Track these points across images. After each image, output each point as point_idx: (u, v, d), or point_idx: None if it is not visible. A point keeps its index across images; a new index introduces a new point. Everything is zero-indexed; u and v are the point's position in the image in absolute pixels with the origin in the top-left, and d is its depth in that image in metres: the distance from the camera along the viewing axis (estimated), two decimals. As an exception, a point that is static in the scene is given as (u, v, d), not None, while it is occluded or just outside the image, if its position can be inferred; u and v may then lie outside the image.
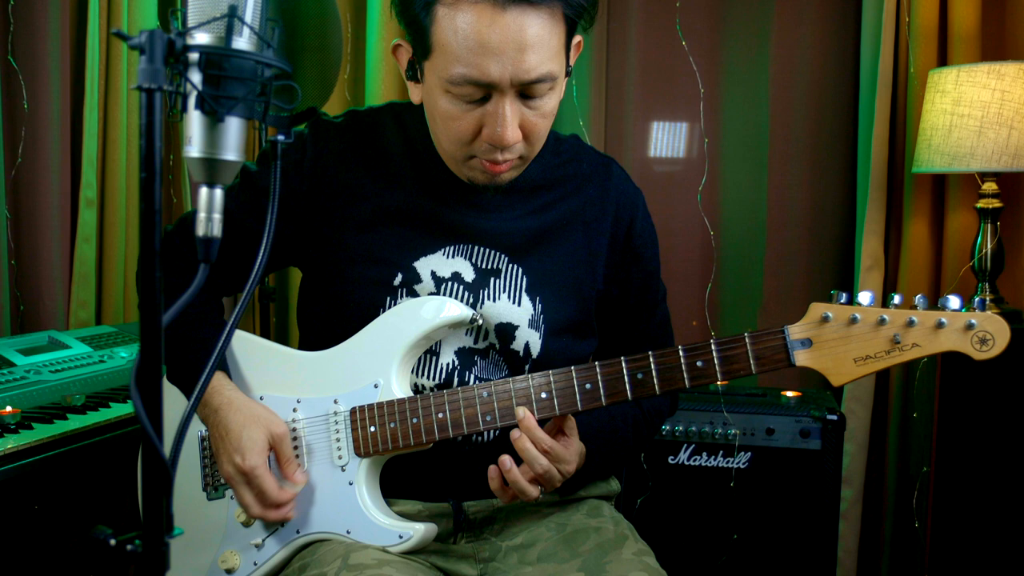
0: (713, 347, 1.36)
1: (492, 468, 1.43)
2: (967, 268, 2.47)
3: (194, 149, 0.96)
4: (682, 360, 1.37)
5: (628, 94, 2.94)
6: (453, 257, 1.53)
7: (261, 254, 1.04)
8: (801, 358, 1.33)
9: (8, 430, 1.82)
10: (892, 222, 2.73)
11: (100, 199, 2.60)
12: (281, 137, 1.04)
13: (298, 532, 1.50)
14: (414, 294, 1.51)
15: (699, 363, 1.37)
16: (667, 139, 2.93)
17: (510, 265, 1.53)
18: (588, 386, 1.40)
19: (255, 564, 1.53)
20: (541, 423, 1.42)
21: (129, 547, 0.94)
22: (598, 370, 1.40)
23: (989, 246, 2.39)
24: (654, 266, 1.67)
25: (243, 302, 1.04)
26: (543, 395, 1.42)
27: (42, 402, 2.04)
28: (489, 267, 1.53)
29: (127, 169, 2.65)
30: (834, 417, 2.43)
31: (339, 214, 1.53)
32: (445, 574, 1.52)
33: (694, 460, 2.51)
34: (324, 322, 1.57)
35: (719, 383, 2.65)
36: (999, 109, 2.25)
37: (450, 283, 1.52)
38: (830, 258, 2.89)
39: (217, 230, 0.98)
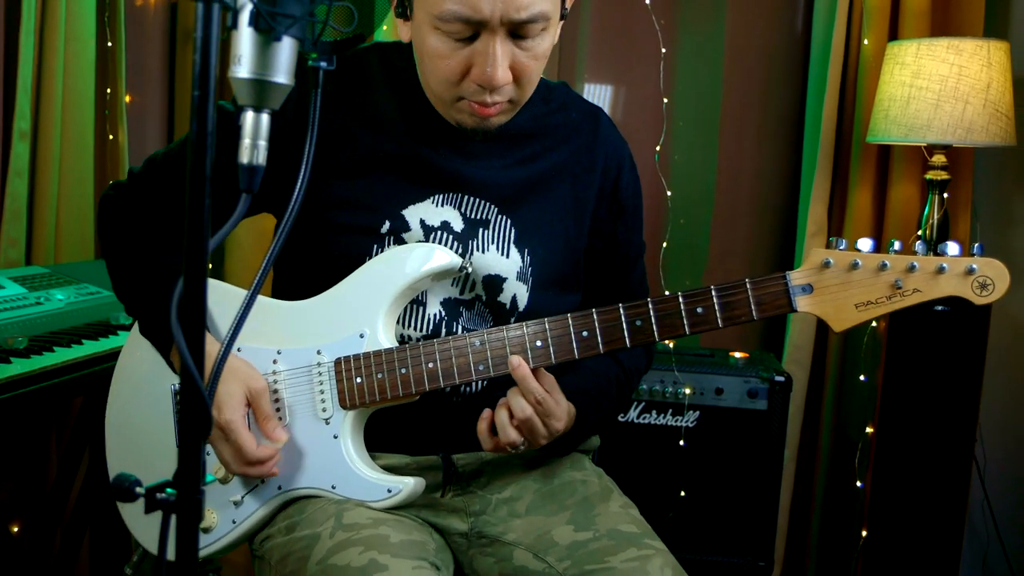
0: (714, 293, 1.35)
1: (486, 410, 1.40)
2: (915, 238, 2.54)
3: (243, 69, 0.90)
4: (682, 306, 1.36)
5: (581, 51, 2.92)
6: (442, 206, 1.48)
7: (294, 198, 0.98)
8: (802, 304, 1.33)
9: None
10: (837, 190, 2.79)
11: (34, 132, 2.44)
12: (324, 64, 0.98)
13: (280, 488, 1.45)
14: (402, 242, 1.46)
15: (699, 309, 1.36)
16: (624, 98, 2.92)
17: (499, 216, 1.50)
18: (585, 333, 1.38)
19: (234, 522, 1.47)
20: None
21: (160, 495, 0.89)
22: (595, 317, 1.38)
23: (936, 217, 2.46)
24: (638, 220, 1.66)
25: (268, 261, 0.98)
26: (538, 343, 1.39)
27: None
28: (478, 217, 1.49)
29: (64, 100, 2.48)
30: (781, 379, 2.48)
31: (324, 160, 1.47)
32: (436, 529, 1.49)
33: (643, 418, 2.54)
34: (305, 270, 1.51)
35: (670, 344, 2.68)
36: (956, 83, 2.31)
37: (439, 232, 1.47)
38: (775, 222, 2.94)
39: (262, 158, 0.93)
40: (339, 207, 1.47)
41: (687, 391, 2.51)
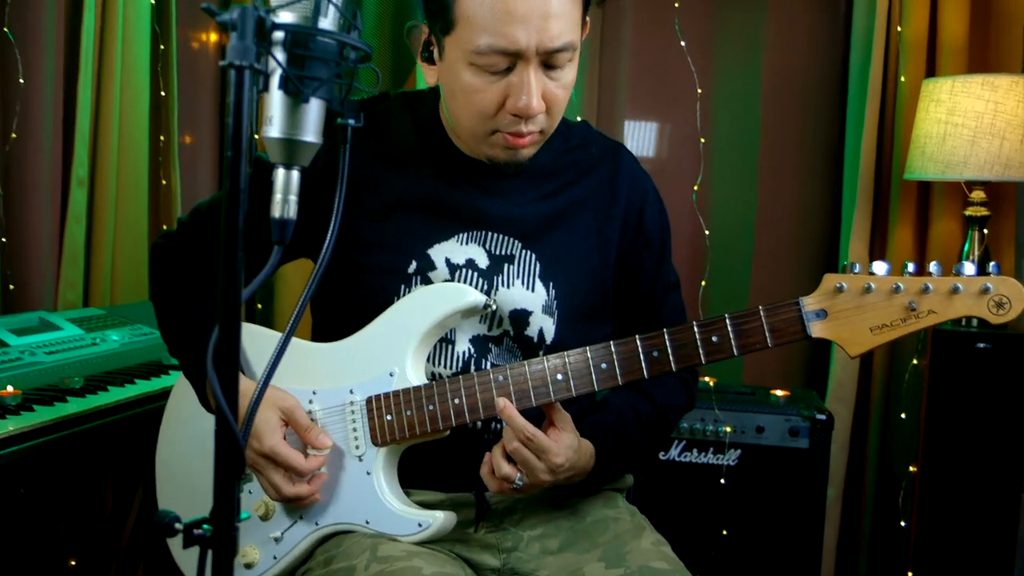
0: (728, 321, 1.36)
1: (487, 454, 1.43)
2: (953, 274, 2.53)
3: (274, 129, 0.95)
4: (697, 336, 1.37)
5: (621, 93, 2.97)
6: (467, 244, 1.53)
7: (327, 246, 1.03)
8: (817, 329, 1.33)
9: (9, 411, 1.78)
10: (877, 227, 2.79)
11: (91, 178, 2.55)
12: (351, 121, 1.04)
13: (317, 524, 1.49)
14: (428, 281, 1.51)
15: (714, 338, 1.37)
16: (660, 138, 2.96)
17: (523, 251, 1.54)
18: (604, 366, 1.40)
19: (275, 558, 1.51)
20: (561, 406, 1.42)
21: (197, 531, 0.94)
22: (613, 349, 1.40)
23: (976, 253, 2.45)
24: (665, 252, 1.68)
25: (302, 303, 1.04)
26: (559, 376, 1.42)
27: (39, 384, 2.00)
28: (503, 253, 1.53)
29: (119, 148, 2.60)
30: (823, 417, 2.48)
31: (353, 204, 1.53)
32: (469, 564, 1.52)
33: (685, 456, 2.55)
34: (338, 312, 1.57)
35: (710, 382, 2.69)
36: (992, 120, 2.32)
37: (464, 270, 1.52)
38: (815, 260, 2.94)
39: (293, 212, 0.98)
40: (368, 249, 1.52)
41: (728, 429, 2.51)
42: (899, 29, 2.69)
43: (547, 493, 1.58)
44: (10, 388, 1.87)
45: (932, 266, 1.31)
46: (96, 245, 2.58)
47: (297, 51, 0.93)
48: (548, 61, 1.38)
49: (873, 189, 2.75)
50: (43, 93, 2.39)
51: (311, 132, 0.96)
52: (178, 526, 0.94)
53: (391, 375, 1.48)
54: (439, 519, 1.45)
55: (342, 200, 1.05)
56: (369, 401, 1.48)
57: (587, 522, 1.57)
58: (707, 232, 2.79)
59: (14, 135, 2.37)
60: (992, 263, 1.30)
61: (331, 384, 1.52)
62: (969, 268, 1.30)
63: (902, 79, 2.68)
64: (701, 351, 1.38)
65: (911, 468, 2.45)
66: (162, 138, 2.79)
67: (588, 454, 1.48)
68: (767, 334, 1.36)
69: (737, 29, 2.94)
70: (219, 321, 0.91)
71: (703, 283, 2.84)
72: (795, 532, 2.49)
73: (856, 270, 1.34)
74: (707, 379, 2.72)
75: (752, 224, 2.94)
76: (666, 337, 1.39)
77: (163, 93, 2.76)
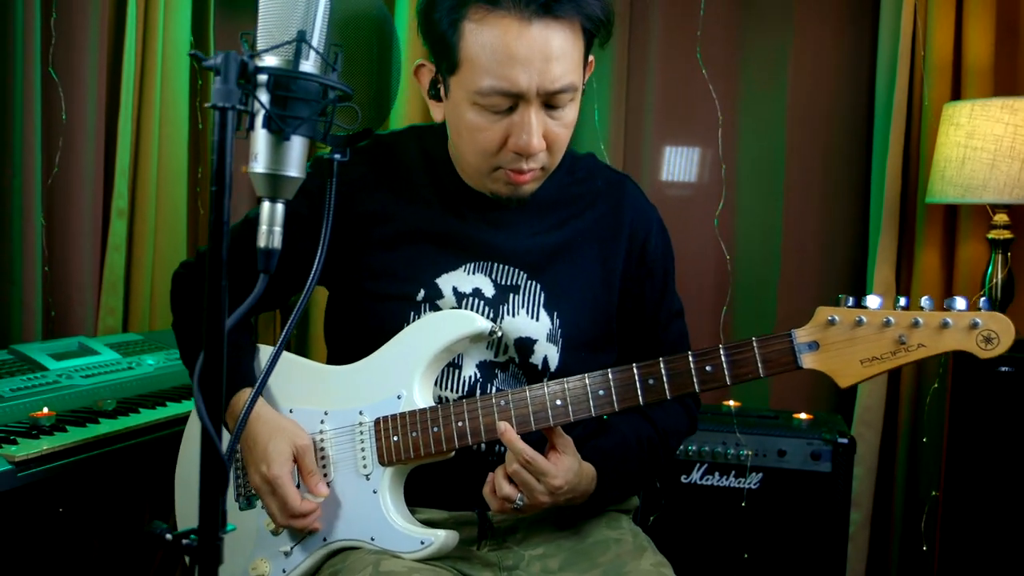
0: (722, 351, 1.40)
1: (490, 474, 1.48)
2: (978, 297, 2.51)
3: (259, 165, 1.02)
4: (691, 365, 1.41)
5: (647, 119, 3.01)
6: (474, 274, 1.58)
7: (314, 272, 1.10)
8: (808, 360, 1.37)
9: (43, 432, 1.87)
10: (904, 250, 2.78)
11: (131, 210, 2.67)
12: (338, 156, 1.10)
13: (325, 540, 1.55)
14: (436, 309, 1.56)
15: (708, 368, 1.41)
16: (684, 164, 2.99)
17: (528, 281, 1.59)
18: (601, 392, 1.44)
19: (284, 571, 1.57)
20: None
21: (185, 541, 1.00)
22: (611, 376, 1.45)
23: (1000, 276, 2.44)
24: (669, 281, 1.72)
25: (291, 323, 1.10)
26: (558, 402, 1.46)
27: (74, 406, 2.09)
28: (508, 283, 1.58)
29: (157, 181, 2.71)
30: (845, 440, 2.47)
31: (364, 234, 1.59)
32: (470, 580, 1.56)
33: (706, 480, 2.56)
34: (351, 338, 1.63)
35: (733, 405, 2.71)
36: (1012, 143, 2.31)
37: (471, 299, 1.57)
38: (842, 284, 2.94)
39: (277, 242, 1.04)
40: (378, 278, 1.59)
41: (749, 453, 2.52)
42: (922, 53, 2.69)
43: (550, 513, 1.62)
44: (45, 409, 1.96)
45: (924, 300, 1.33)
46: (135, 273, 2.69)
47: (279, 92, 0.99)
48: (549, 101, 1.43)
49: (899, 213, 2.75)
50: (85, 129, 2.51)
51: (294, 167, 1.03)
52: (168, 536, 1.01)
53: (399, 397, 1.53)
54: (441, 537, 1.49)
55: (329, 226, 1.11)
56: (377, 422, 1.53)
57: (588, 542, 1.60)
58: (728, 258, 2.81)
59: (57, 168, 2.49)
60: (983, 298, 1.33)
61: (342, 405, 1.58)
62: (960, 303, 1.32)
63: (926, 103, 2.68)
64: (695, 380, 1.42)
65: (933, 493, 2.43)
66: (200, 170, 2.90)
67: (590, 477, 1.52)
68: (759, 365, 1.39)
69: (762, 56, 2.97)
70: (204, 347, 0.97)
71: (725, 309, 2.85)
72: (818, 556, 2.48)
73: (850, 303, 1.37)
74: (730, 403, 2.74)
75: (778, 250, 2.95)
76: (662, 366, 1.43)
77: (201, 127, 2.87)
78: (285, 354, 1.68)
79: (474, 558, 1.58)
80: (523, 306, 1.58)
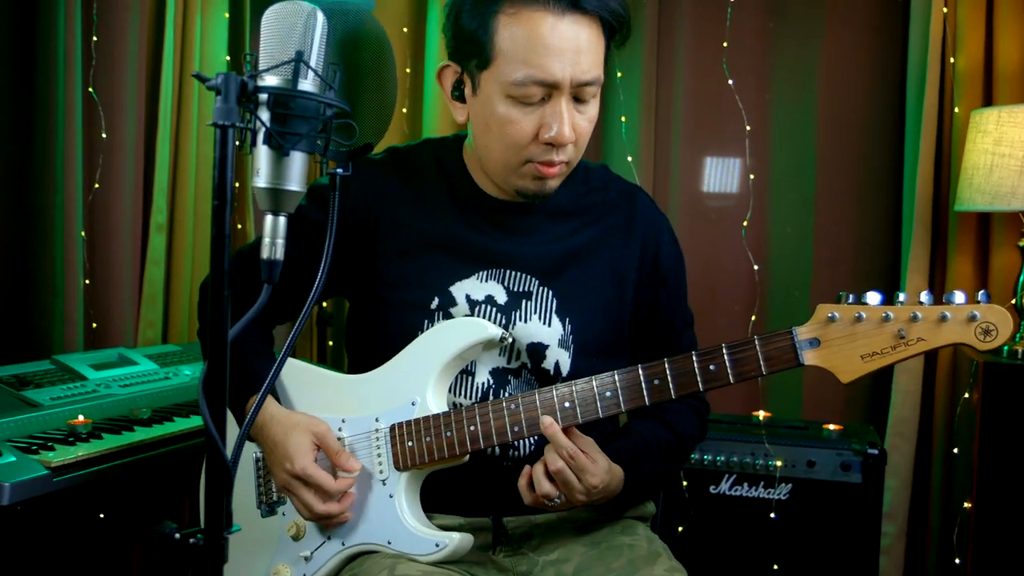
0: (724, 350, 1.42)
1: (526, 467, 1.51)
2: (1009, 305, 2.49)
3: (261, 180, 1.06)
4: (695, 364, 1.43)
5: (675, 130, 3.02)
6: (486, 281, 1.62)
7: (317, 283, 1.14)
8: (809, 357, 1.38)
9: (80, 439, 1.94)
10: (936, 259, 2.76)
11: (169, 225, 2.74)
12: (340, 170, 1.14)
13: (344, 544, 1.59)
14: (450, 316, 1.60)
15: (712, 367, 1.43)
16: (713, 174, 3.00)
17: (541, 288, 1.62)
18: (608, 393, 1.47)
19: None
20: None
21: (191, 540, 1.04)
22: (616, 378, 1.47)
23: (1032, 284, 2.41)
24: (681, 290, 1.75)
25: (296, 329, 1.14)
26: (566, 404, 1.49)
27: (111, 414, 2.16)
28: (521, 290, 1.62)
29: (195, 197, 2.79)
30: (875, 451, 2.45)
31: (380, 244, 1.64)
32: (484, 586, 1.59)
33: (735, 490, 2.55)
34: (369, 345, 1.67)
35: (763, 416, 2.70)
36: (1041, 150, 2.29)
37: (484, 305, 1.61)
38: (876, 293, 2.91)
39: (280, 254, 1.08)
40: (394, 286, 1.63)
41: (778, 463, 2.51)
42: (952, 59, 2.67)
43: (566, 520, 1.65)
44: (81, 417, 2.03)
45: (923, 295, 1.34)
46: (174, 286, 2.77)
47: (279, 110, 1.03)
48: (578, 94, 1.49)
49: (931, 221, 2.73)
50: (124, 146, 2.59)
51: (294, 182, 1.07)
52: (176, 536, 1.05)
53: (413, 404, 1.57)
54: (455, 540, 1.52)
55: (333, 236, 1.15)
56: (392, 428, 1.57)
57: (602, 548, 1.62)
58: (756, 267, 2.80)
59: (97, 185, 2.58)
60: (981, 292, 1.32)
61: (359, 413, 1.62)
62: (959, 297, 1.32)
63: (956, 110, 2.66)
64: (699, 379, 1.44)
65: (966, 504, 2.40)
66: (237, 184, 2.98)
67: (619, 478, 1.55)
68: (762, 363, 1.41)
69: (791, 64, 2.97)
70: (208, 355, 1.02)
71: (753, 318, 2.85)
72: (848, 568, 2.46)
73: (851, 300, 1.37)
74: (760, 413, 2.73)
75: (809, 259, 2.94)
76: (667, 366, 1.45)
77: (237, 143, 2.94)
78: (303, 364, 1.73)
79: (489, 563, 1.61)
80: (535, 312, 1.61)
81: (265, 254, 1.08)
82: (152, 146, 2.68)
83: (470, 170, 1.65)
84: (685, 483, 2.56)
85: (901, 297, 1.35)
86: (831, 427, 2.61)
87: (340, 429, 1.62)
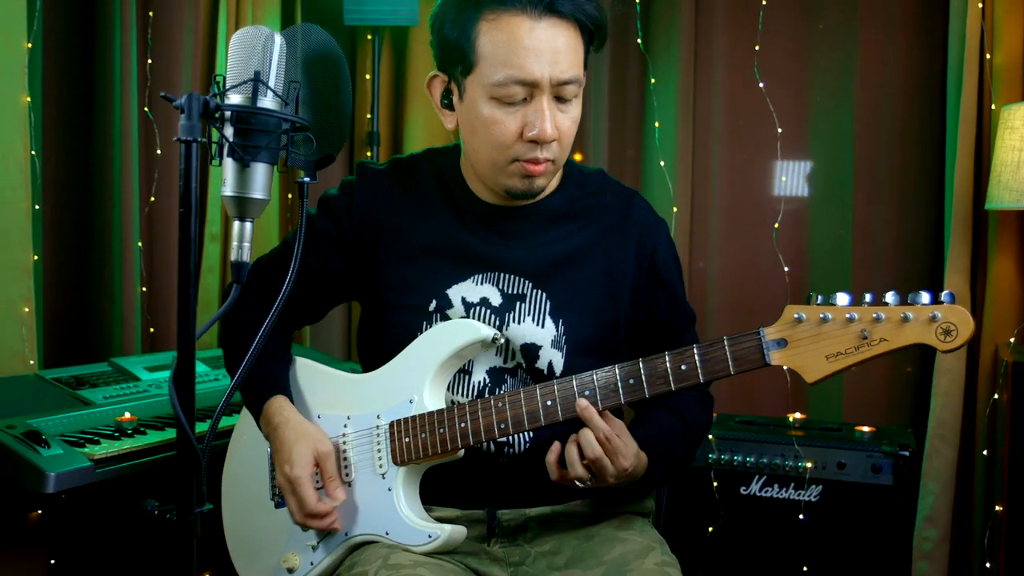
0: (695, 350, 1.47)
1: (556, 443, 1.56)
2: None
3: (228, 189, 1.17)
4: (668, 364, 1.49)
5: (714, 134, 3.05)
6: (482, 284, 1.69)
7: (288, 279, 1.23)
8: (776, 357, 1.41)
9: (125, 434, 2.09)
10: (978, 259, 2.71)
11: (224, 234, 2.90)
12: (307, 179, 1.24)
13: (346, 535, 1.68)
14: (447, 318, 1.68)
15: (683, 367, 1.48)
16: (746, 177, 3.01)
17: (534, 290, 1.68)
18: (587, 392, 1.53)
19: (311, 564, 1.71)
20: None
21: (168, 516, 1.15)
22: (595, 377, 1.53)
23: (1069, 283, 2.36)
24: (679, 291, 1.79)
25: (271, 318, 1.23)
26: (548, 403, 1.55)
27: (159, 413, 2.31)
28: (515, 292, 1.68)
29: (248, 207, 2.94)
30: (906, 453, 2.43)
31: (383, 249, 1.73)
32: (478, 575, 1.66)
33: (765, 492, 2.56)
34: (374, 346, 1.76)
35: (798, 418, 2.70)
36: (1070, 146, 2.25)
37: (479, 308, 1.68)
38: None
39: (247, 256, 1.18)
40: (395, 290, 1.72)
41: (808, 465, 2.51)
42: (988, 56, 2.64)
43: (562, 513, 1.71)
44: (127, 415, 2.18)
45: (888, 296, 1.36)
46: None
47: (241, 125, 1.14)
48: (559, 94, 1.56)
49: (972, 220, 2.69)
50: (179, 163, 2.75)
51: (259, 190, 1.17)
52: (155, 512, 1.16)
53: (411, 402, 1.65)
54: (446, 531, 1.60)
55: (302, 239, 1.25)
56: (392, 425, 1.66)
57: (595, 541, 1.67)
58: (787, 269, 2.81)
59: (153, 198, 2.75)
60: (945, 292, 1.33)
61: (362, 410, 1.71)
62: (924, 297, 1.34)
63: (993, 107, 2.62)
64: (671, 378, 1.48)
65: (997, 508, 2.36)
66: (290, 196, 3.12)
67: (644, 464, 1.60)
68: (730, 362, 1.45)
69: (828, 67, 2.97)
70: (177, 350, 1.12)
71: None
72: (880, 571, 2.44)
73: (819, 301, 1.40)
74: (796, 415, 2.73)
75: (848, 262, 2.92)
76: (641, 366, 1.50)
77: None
78: (316, 365, 1.83)
79: (482, 553, 1.68)
80: (529, 314, 1.68)
81: (233, 256, 1.18)
82: (206, 160, 2.84)
83: (466, 177, 1.73)
84: (716, 483, 2.58)
85: (867, 298, 1.37)
86: (864, 429, 2.60)
87: (345, 425, 1.72)
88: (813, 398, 2.96)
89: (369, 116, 3.27)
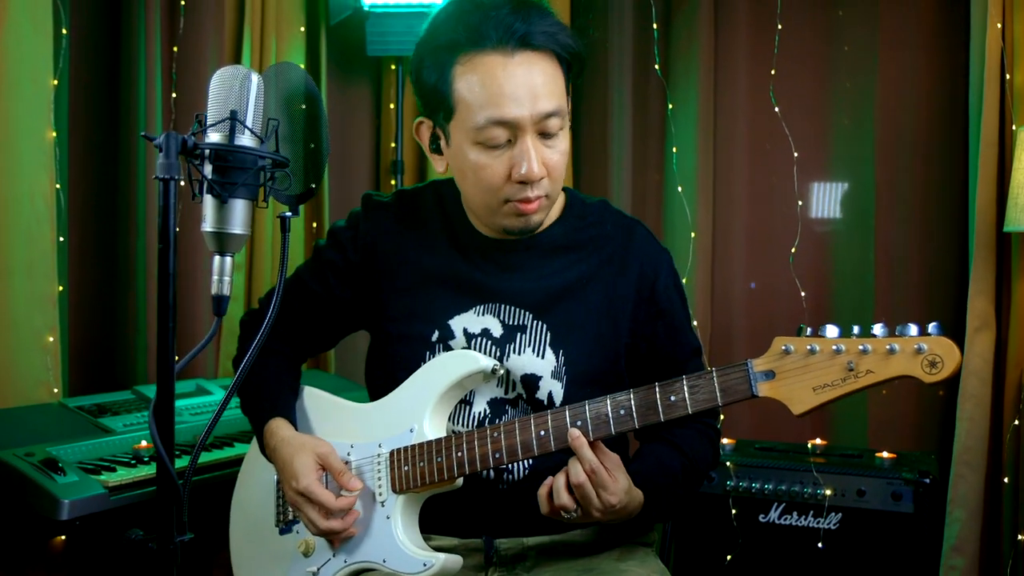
0: (684, 382, 1.46)
1: (548, 477, 1.55)
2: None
3: (207, 224, 1.20)
4: (657, 395, 1.48)
5: (735, 159, 3.04)
6: (483, 315, 1.70)
7: (272, 306, 1.26)
8: (763, 389, 1.40)
9: (141, 461, 2.13)
10: (1003, 283, 2.67)
11: (249, 264, 2.95)
12: (288, 214, 1.27)
13: (346, 561, 1.70)
14: (449, 349, 1.69)
15: (671, 398, 1.47)
16: (768, 202, 3.00)
17: (534, 321, 1.69)
18: (579, 423, 1.52)
19: None
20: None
21: (150, 545, 1.17)
22: (587, 408, 1.52)
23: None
24: (680, 321, 1.76)
25: (257, 343, 1.26)
26: (541, 433, 1.55)
27: (179, 440, 2.33)
28: (515, 323, 1.69)
29: (272, 238, 2.99)
30: (927, 480, 2.39)
31: (387, 280, 1.75)
32: (475, 603, 1.67)
33: (784, 519, 2.53)
34: (379, 375, 1.78)
35: (819, 444, 2.67)
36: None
37: (479, 338, 1.69)
38: (942, 319, 2.83)
39: (227, 290, 1.21)
40: (399, 320, 1.74)
41: (828, 492, 2.48)
42: (1008, 76, 2.60)
43: (561, 543, 1.71)
44: (144, 443, 2.22)
45: (876, 328, 1.35)
46: (252, 321, 2.97)
47: (219, 163, 1.17)
48: (543, 129, 1.56)
49: (995, 243, 2.64)
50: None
51: (238, 225, 1.19)
52: (136, 540, 1.18)
53: (411, 431, 1.67)
54: (441, 560, 1.60)
55: (284, 273, 1.27)
56: (392, 453, 1.68)
57: (595, 573, 1.67)
58: (803, 293, 2.78)
59: (177, 229, 2.80)
60: (932, 324, 1.32)
61: (365, 439, 1.73)
62: (912, 329, 1.33)
63: (1014, 128, 2.58)
64: (660, 409, 1.48)
65: (1020, 536, 2.30)
66: (315, 224, 3.18)
67: (638, 501, 1.57)
68: (718, 394, 1.45)
69: (847, 89, 2.95)
70: (157, 385, 1.15)
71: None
72: (902, 601, 2.40)
73: (808, 333, 1.40)
74: (816, 440, 2.69)
75: (872, 286, 2.89)
76: (631, 397, 1.50)
77: (313, 185, 3.14)
78: (321, 393, 1.86)
79: (480, 582, 1.68)
80: (529, 345, 1.69)
81: (214, 290, 1.20)
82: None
83: (467, 210, 1.74)
84: (734, 511, 2.56)
85: (855, 330, 1.36)
86: (884, 455, 2.56)
87: (349, 454, 1.74)
88: (837, 424, 2.93)
89: (393, 145, 3.31)
